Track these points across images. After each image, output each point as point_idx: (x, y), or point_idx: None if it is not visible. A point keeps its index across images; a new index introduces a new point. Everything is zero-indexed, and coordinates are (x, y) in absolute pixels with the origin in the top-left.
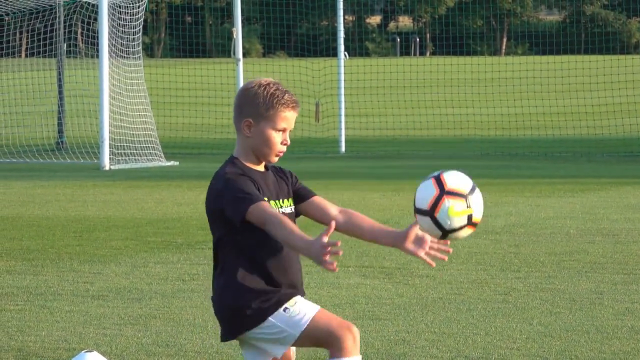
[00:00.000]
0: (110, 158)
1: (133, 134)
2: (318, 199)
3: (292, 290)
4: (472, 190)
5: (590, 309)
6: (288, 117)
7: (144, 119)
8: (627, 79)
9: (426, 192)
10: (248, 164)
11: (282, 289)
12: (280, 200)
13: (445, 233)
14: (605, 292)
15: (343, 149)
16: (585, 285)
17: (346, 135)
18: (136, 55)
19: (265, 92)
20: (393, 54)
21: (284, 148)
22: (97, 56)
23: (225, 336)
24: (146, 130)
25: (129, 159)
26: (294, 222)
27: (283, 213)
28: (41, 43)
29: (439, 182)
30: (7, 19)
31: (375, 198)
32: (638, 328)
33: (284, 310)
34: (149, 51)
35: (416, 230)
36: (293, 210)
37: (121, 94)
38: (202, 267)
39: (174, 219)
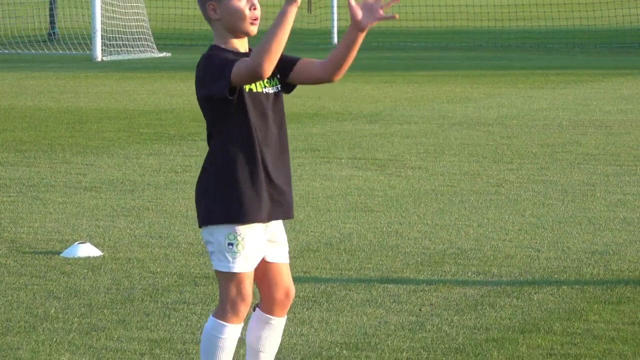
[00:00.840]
0: (102, 49)
1: (125, 25)
2: (303, 60)
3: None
4: None
5: (582, 200)
6: None
7: (136, 10)
8: None
9: None
10: (229, 47)
11: (262, 199)
12: (264, 81)
13: None
14: (597, 183)
15: (336, 40)
16: (578, 177)
17: (339, 27)
18: None
19: None
20: None
21: (257, 13)
22: None
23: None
24: (138, 21)
25: (121, 50)
26: (281, 104)
27: (267, 93)
28: None
29: None
30: None
31: (367, 89)
32: (630, 219)
33: (229, 245)
34: None
35: (357, 8)
36: (279, 89)
37: None
38: (194, 158)
39: (167, 110)
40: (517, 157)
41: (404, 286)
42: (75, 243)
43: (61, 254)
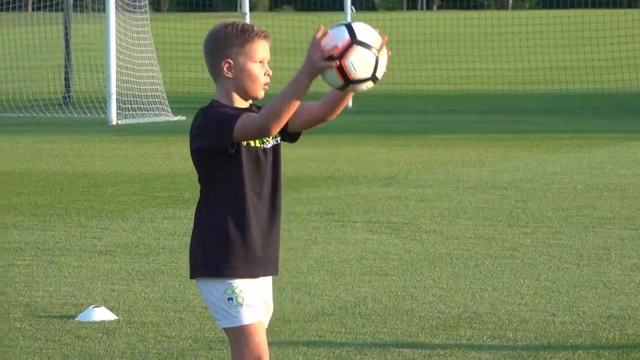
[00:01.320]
0: (117, 113)
1: (140, 89)
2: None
3: (262, 266)
4: (380, 48)
5: (597, 264)
6: (263, 47)
7: (150, 74)
8: (635, 32)
9: (336, 37)
10: (230, 105)
11: (254, 255)
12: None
13: (347, 83)
14: (612, 247)
15: (351, 103)
16: (593, 241)
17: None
18: (143, 9)
19: (235, 29)
20: (399, 7)
21: (268, 79)
22: (104, 10)
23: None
24: (153, 84)
25: (136, 113)
26: (279, 155)
27: (264, 149)
28: None
29: (351, 30)
30: None
31: (382, 153)
32: None
33: (229, 299)
34: (155, 5)
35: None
36: (278, 141)
37: (128, 49)
38: None
39: (182, 174)
40: (532, 220)
41: (419, 350)
42: (90, 307)
43: (76, 318)
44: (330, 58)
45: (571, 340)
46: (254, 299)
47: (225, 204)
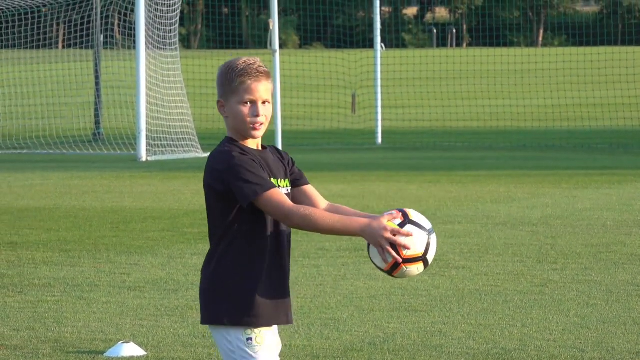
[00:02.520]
0: (147, 149)
1: (170, 125)
2: (310, 188)
3: (278, 313)
4: (427, 249)
5: (627, 300)
6: (251, 88)
7: (180, 110)
8: None
9: (382, 258)
10: (243, 144)
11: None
12: (279, 180)
13: (397, 264)
14: None
15: (380, 140)
16: (622, 277)
17: (383, 127)
18: (173, 47)
19: (227, 68)
20: (429, 45)
21: (260, 119)
22: (134, 47)
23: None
24: (183, 121)
25: (165, 150)
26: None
27: (285, 194)
28: (78, 34)
29: (404, 212)
30: (44, 10)
31: (412, 189)
32: None
33: (248, 340)
34: (185, 42)
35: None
36: (289, 191)
37: (158, 85)
38: None
39: None
40: (561, 257)
41: None
42: (119, 343)
43: (105, 354)
44: (380, 270)
45: None
46: (272, 340)
47: (244, 254)
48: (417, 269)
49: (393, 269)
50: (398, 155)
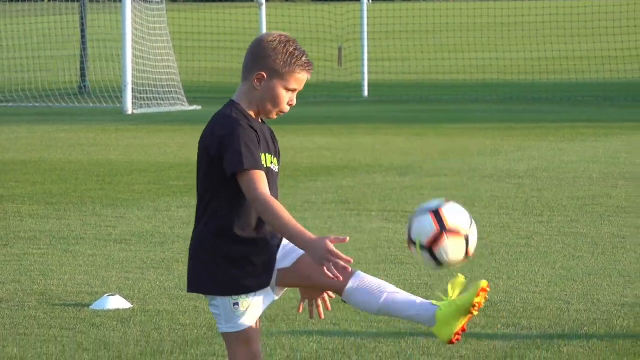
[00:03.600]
0: (133, 102)
1: (156, 79)
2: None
3: (266, 275)
4: (470, 226)
5: (612, 252)
6: (301, 79)
7: (166, 64)
8: None
9: (424, 227)
10: (249, 112)
11: (257, 266)
12: (272, 156)
13: (440, 265)
14: (627, 236)
15: (366, 93)
16: (608, 229)
17: (369, 80)
18: (159, 0)
19: (285, 49)
20: None
21: (288, 109)
22: (120, 0)
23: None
24: (169, 74)
25: (151, 103)
26: (276, 182)
27: (272, 170)
28: None
29: (439, 218)
30: None
31: (398, 142)
32: None
33: (234, 304)
34: None
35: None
36: (278, 170)
37: (144, 39)
38: None
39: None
40: (547, 209)
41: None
42: (105, 295)
43: (91, 307)
44: (421, 247)
45: (585, 328)
46: (258, 305)
47: (233, 216)
48: (458, 265)
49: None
50: (384, 108)
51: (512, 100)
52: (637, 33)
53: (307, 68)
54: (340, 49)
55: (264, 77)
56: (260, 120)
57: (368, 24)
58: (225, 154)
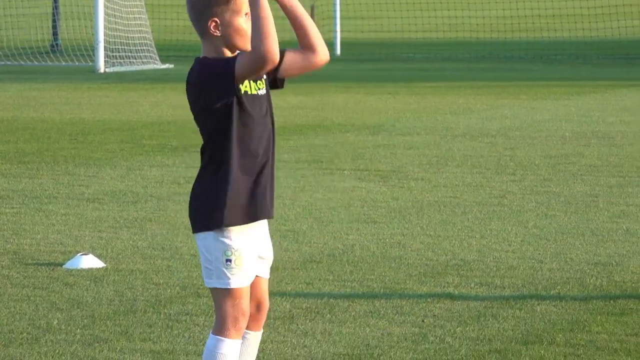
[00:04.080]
0: (105, 61)
1: (128, 37)
2: (290, 50)
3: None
4: None
5: (585, 211)
6: (245, 1)
7: (139, 22)
8: None
9: None
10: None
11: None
12: (254, 82)
13: None
14: (600, 194)
15: (338, 51)
16: (581, 188)
17: (341, 38)
18: None
19: None
20: None
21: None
22: None
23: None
24: (141, 32)
25: (124, 61)
26: (270, 104)
27: (257, 95)
28: None
29: None
30: None
31: (371, 101)
32: (633, 230)
33: (227, 261)
34: None
35: None
36: (267, 91)
37: None
38: (197, 170)
39: (169, 122)
40: (519, 168)
41: (407, 298)
42: (78, 254)
43: (64, 266)
44: None
45: (558, 287)
46: (250, 264)
47: (236, 155)
48: None
49: None
50: (357, 67)
51: (485, 58)
52: None
53: None
54: (312, 8)
55: (217, 21)
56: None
57: None
58: (210, 92)
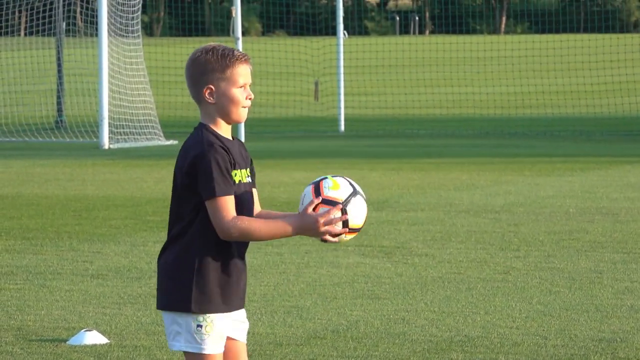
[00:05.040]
0: (109, 137)
1: (132, 113)
2: (255, 193)
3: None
4: (349, 198)
5: (589, 287)
6: (244, 72)
7: (143, 98)
8: (627, 57)
9: (306, 198)
10: (218, 132)
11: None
12: (242, 170)
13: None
14: (604, 271)
15: (342, 127)
16: (585, 264)
17: (345, 114)
18: (135, 34)
19: (216, 55)
20: (392, 32)
21: (249, 103)
22: (97, 35)
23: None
24: (145, 109)
25: (128, 137)
26: (252, 193)
27: (245, 184)
28: (40, 22)
29: (317, 189)
30: None
31: (374, 177)
32: (637, 307)
33: (198, 326)
34: (148, 30)
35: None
36: (250, 181)
37: (120, 73)
38: None
39: None
40: (524, 244)
41: None
42: (82, 331)
43: (68, 342)
44: (330, 202)
45: None
46: (222, 331)
47: (213, 239)
48: (345, 238)
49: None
50: (360, 142)
51: (488, 134)
52: (612, 68)
53: (243, 59)
54: (316, 84)
55: (212, 89)
56: (230, 137)
57: (344, 59)
58: (199, 177)
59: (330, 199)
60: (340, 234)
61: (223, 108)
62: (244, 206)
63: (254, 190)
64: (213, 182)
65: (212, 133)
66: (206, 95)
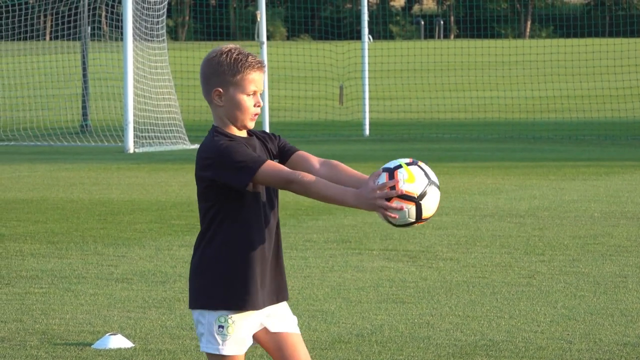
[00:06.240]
0: (134, 141)
1: (157, 117)
2: (302, 153)
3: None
4: (425, 190)
5: (614, 292)
6: (255, 79)
7: (168, 102)
8: None
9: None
10: (230, 132)
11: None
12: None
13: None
14: (629, 275)
15: (367, 132)
16: (610, 269)
17: (370, 118)
18: (160, 39)
19: (229, 58)
20: (417, 37)
21: (258, 110)
22: (122, 39)
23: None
24: (170, 113)
25: (153, 142)
26: (273, 189)
27: None
28: (65, 26)
29: (392, 179)
30: (31, 1)
31: None
32: None
33: (219, 327)
34: (173, 34)
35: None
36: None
37: (145, 77)
38: None
39: None
40: (548, 248)
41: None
42: (107, 334)
43: (92, 346)
44: (406, 197)
45: None
46: (244, 332)
47: (239, 234)
48: (407, 211)
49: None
50: (385, 147)
51: (513, 139)
52: (638, 72)
53: (256, 67)
54: (341, 88)
55: (220, 92)
56: (246, 134)
57: (369, 63)
58: (226, 177)
59: (408, 193)
60: (412, 224)
61: (230, 112)
62: (268, 198)
63: (302, 153)
64: (243, 166)
65: (222, 133)
66: (215, 97)
